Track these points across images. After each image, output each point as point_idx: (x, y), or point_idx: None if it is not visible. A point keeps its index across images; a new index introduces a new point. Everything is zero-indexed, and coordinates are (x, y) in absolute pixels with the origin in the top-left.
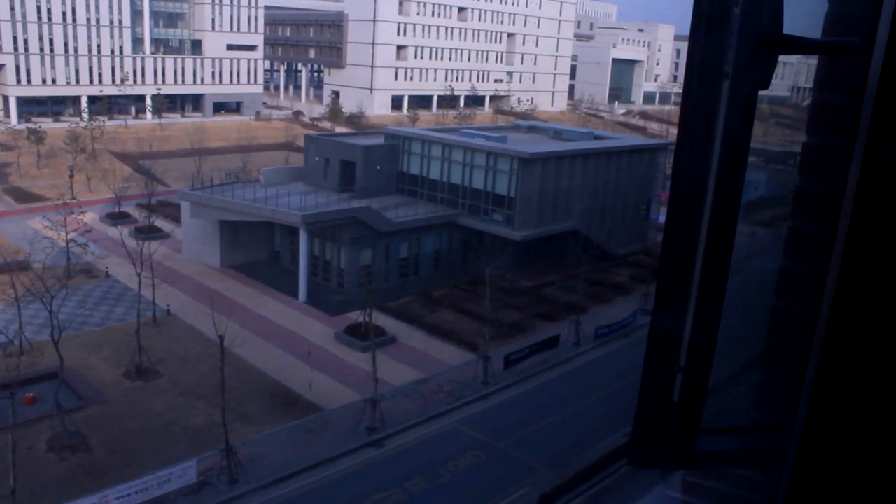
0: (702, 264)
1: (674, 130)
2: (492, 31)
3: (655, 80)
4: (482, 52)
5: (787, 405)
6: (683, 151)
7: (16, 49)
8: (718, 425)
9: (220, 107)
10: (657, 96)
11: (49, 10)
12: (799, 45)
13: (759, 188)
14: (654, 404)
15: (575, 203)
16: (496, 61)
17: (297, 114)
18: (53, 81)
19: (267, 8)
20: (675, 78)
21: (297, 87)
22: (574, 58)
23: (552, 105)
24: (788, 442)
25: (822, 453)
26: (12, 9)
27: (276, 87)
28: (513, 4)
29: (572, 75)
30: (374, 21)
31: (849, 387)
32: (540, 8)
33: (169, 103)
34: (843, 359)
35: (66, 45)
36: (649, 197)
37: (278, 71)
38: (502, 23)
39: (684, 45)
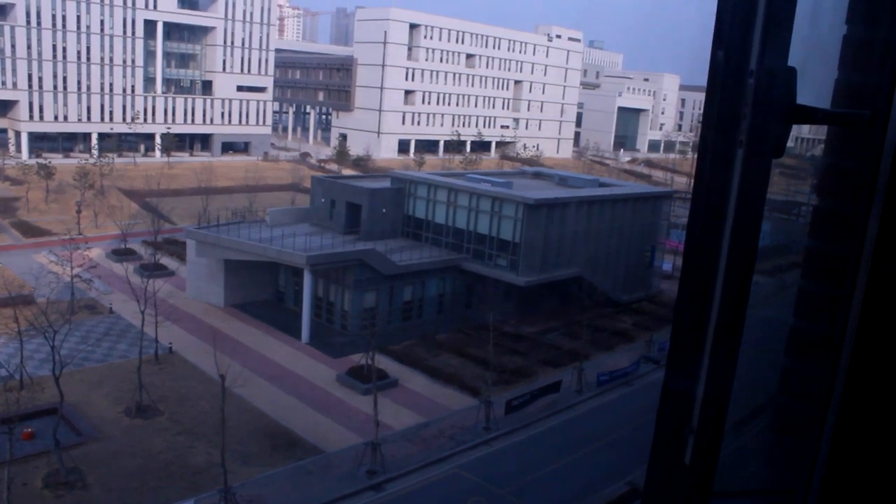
0: (715, 328)
1: (679, 179)
2: (499, 78)
3: (660, 129)
4: (489, 98)
5: (801, 467)
6: (697, 217)
7: (30, 86)
8: (731, 488)
9: (229, 147)
10: (662, 145)
11: (64, 49)
12: (813, 116)
13: (764, 238)
14: (665, 467)
15: (579, 249)
16: (503, 108)
17: (305, 155)
18: (65, 118)
19: (277, 51)
20: (680, 127)
21: (305, 129)
22: (580, 105)
23: (558, 152)
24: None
25: None
26: (29, 47)
27: (285, 129)
28: (520, 52)
29: (578, 123)
30: (383, 66)
31: (866, 451)
32: (547, 56)
33: (178, 142)
34: (861, 423)
35: (79, 83)
36: (653, 244)
37: (287, 113)
38: (509, 70)
39: (689, 95)
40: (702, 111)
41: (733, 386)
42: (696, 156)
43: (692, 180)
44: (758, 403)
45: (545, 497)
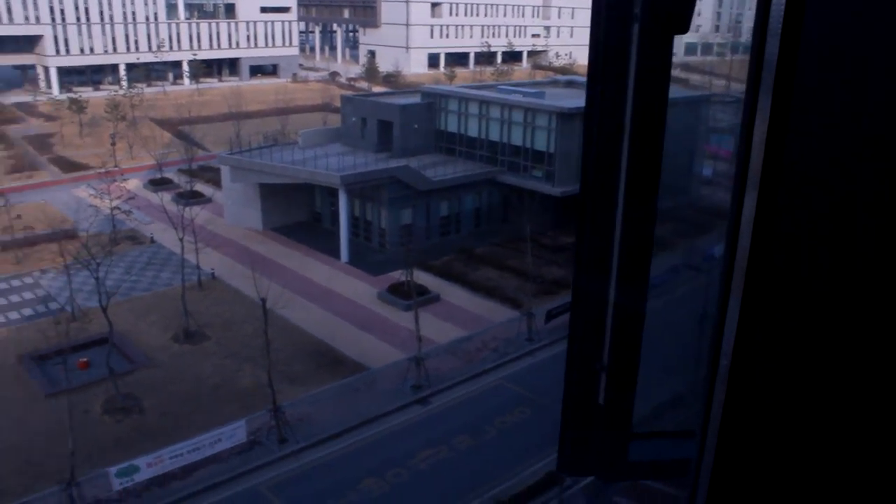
0: (620, 242)
1: (717, 81)
2: None
3: (697, 31)
4: (518, 6)
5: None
6: (593, 107)
7: (53, 20)
8: (655, 428)
9: (257, 70)
10: (699, 47)
11: None
12: None
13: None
14: (579, 407)
15: None
16: (533, 16)
17: (334, 75)
18: (91, 50)
19: None
20: (718, 28)
21: (333, 48)
22: None
23: None
24: (704, 445)
25: (739, 456)
26: None
27: (312, 49)
28: None
29: None
30: None
31: (762, 383)
32: None
33: (206, 68)
34: (754, 353)
35: (101, 13)
36: (692, 149)
37: (313, 32)
38: None
39: None
40: (740, 12)
41: (663, 320)
42: (703, 53)
43: (588, 65)
44: (684, 337)
45: None
